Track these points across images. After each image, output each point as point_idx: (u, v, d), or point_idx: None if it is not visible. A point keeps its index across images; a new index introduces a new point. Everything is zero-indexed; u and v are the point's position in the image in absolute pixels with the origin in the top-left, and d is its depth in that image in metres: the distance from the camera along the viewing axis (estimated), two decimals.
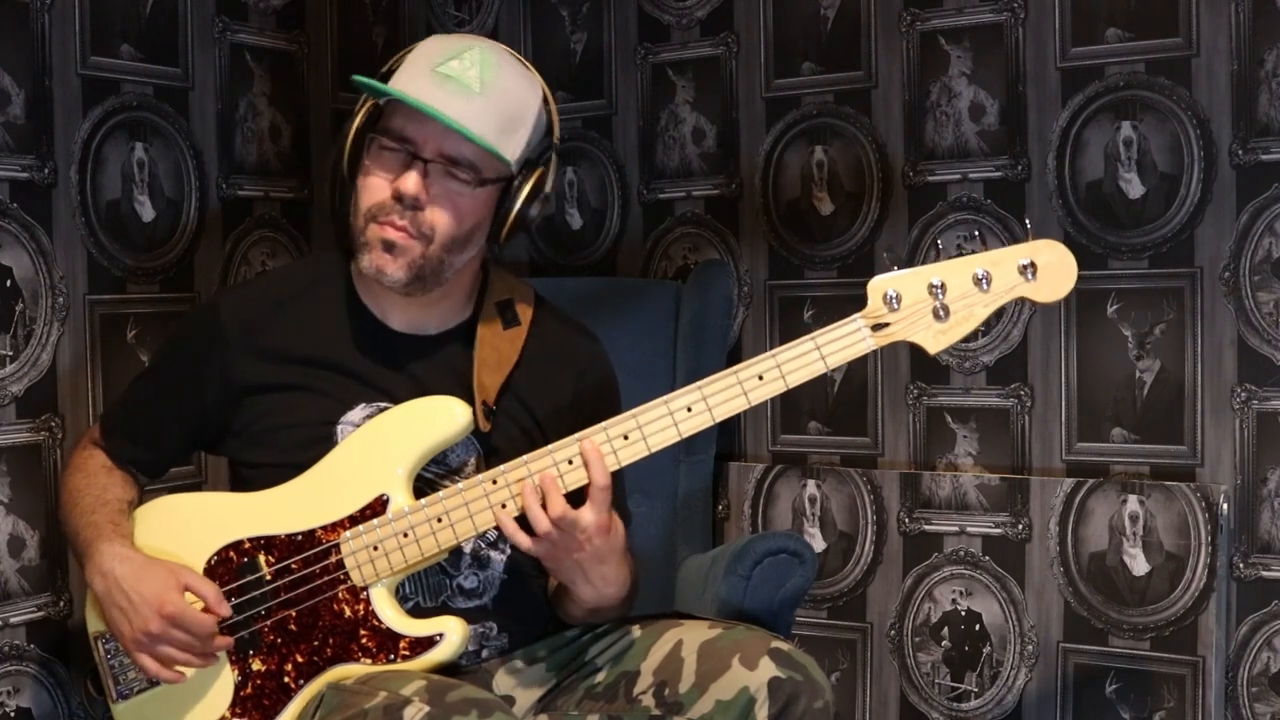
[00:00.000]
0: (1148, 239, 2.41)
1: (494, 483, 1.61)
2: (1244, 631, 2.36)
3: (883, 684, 2.63)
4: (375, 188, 1.66)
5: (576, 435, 1.60)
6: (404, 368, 1.74)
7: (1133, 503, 2.40)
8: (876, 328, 1.56)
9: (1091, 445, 2.47)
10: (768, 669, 1.57)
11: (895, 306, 1.55)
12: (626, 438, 1.60)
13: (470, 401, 1.68)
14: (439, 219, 1.65)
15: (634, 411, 1.62)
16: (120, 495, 1.77)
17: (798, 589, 2.05)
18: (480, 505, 1.61)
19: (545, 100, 1.72)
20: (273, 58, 2.56)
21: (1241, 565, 2.36)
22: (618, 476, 1.65)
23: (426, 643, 1.61)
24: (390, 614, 1.63)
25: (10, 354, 2.15)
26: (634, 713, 1.63)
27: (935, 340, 1.55)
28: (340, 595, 1.63)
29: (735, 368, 1.63)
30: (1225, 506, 2.33)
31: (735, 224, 2.78)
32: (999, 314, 2.52)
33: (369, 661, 1.62)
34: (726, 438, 2.75)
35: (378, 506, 1.64)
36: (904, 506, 2.60)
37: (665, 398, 1.62)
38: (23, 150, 2.16)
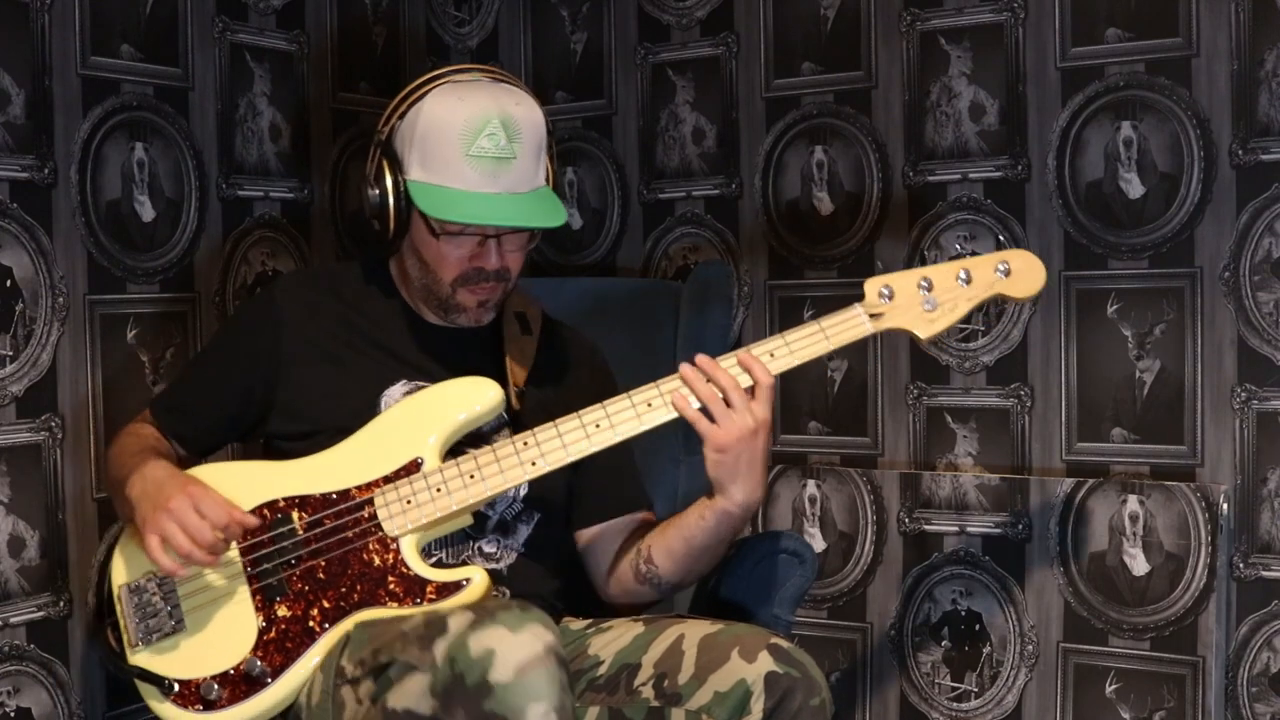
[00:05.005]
0: (1148, 239, 2.41)
1: (525, 444, 1.73)
2: (1244, 631, 2.36)
3: (883, 684, 2.63)
4: (454, 261, 1.79)
5: (603, 403, 1.74)
6: (440, 354, 1.86)
7: (1133, 503, 2.40)
8: (873, 316, 1.74)
9: (1091, 445, 2.47)
10: (766, 663, 1.58)
11: (889, 299, 1.74)
12: (650, 405, 1.73)
13: (503, 386, 1.80)
14: (514, 263, 1.82)
15: (656, 383, 1.75)
16: (167, 451, 1.88)
17: (798, 589, 2.05)
18: (511, 462, 1.72)
19: (536, 99, 1.83)
20: (273, 58, 2.56)
21: (1241, 565, 2.36)
22: (631, 465, 1.89)
23: (454, 586, 1.68)
24: (418, 563, 1.71)
25: (10, 354, 2.15)
26: (634, 704, 1.64)
27: (926, 327, 1.75)
28: (370, 545, 1.71)
29: (747, 347, 1.74)
30: (1225, 506, 2.33)
31: (735, 224, 2.78)
32: (999, 314, 2.52)
33: (395, 605, 1.68)
34: None
35: (412, 468, 1.74)
36: (904, 506, 2.60)
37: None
38: (23, 150, 2.16)
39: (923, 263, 2.58)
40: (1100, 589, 2.43)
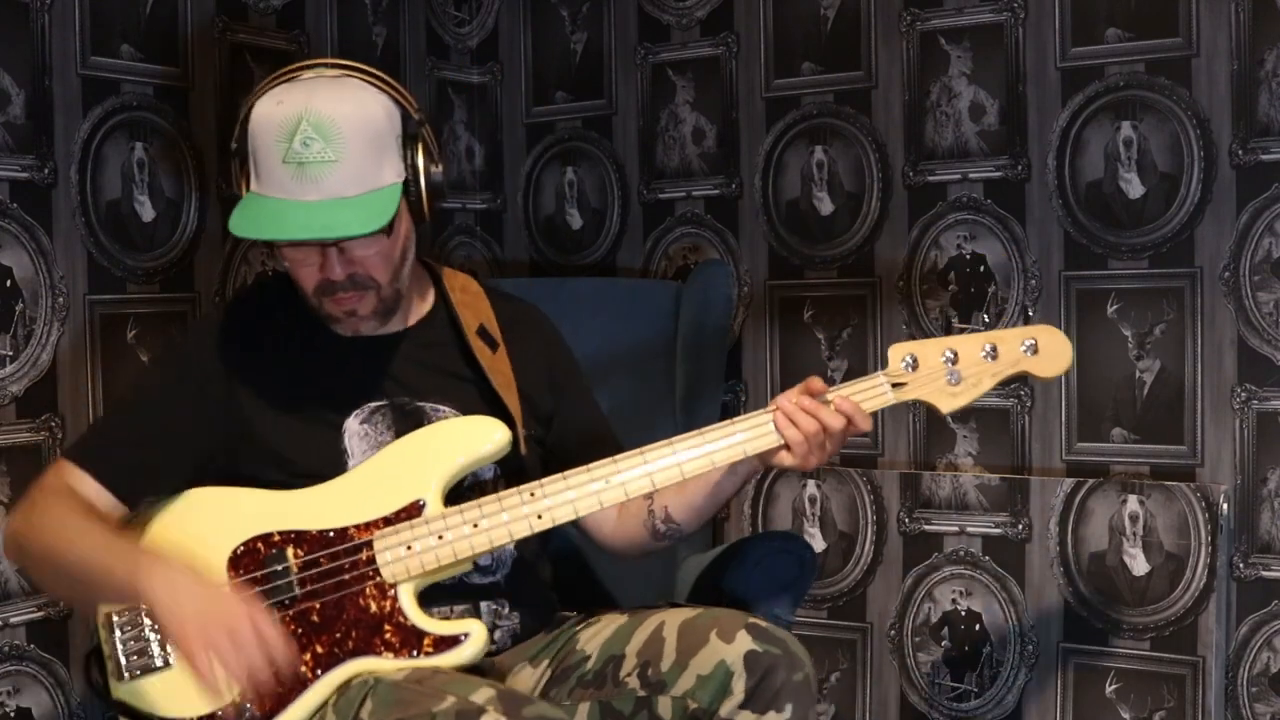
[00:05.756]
0: (1148, 239, 2.41)
1: (532, 495, 1.67)
2: (1244, 631, 2.36)
3: (883, 684, 2.63)
4: (305, 275, 1.70)
5: (617, 458, 1.69)
6: (387, 367, 1.78)
7: (1133, 503, 2.40)
8: (896, 385, 1.70)
9: (1091, 445, 2.47)
10: (744, 642, 1.58)
11: (912, 369, 1.70)
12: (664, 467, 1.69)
13: (497, 415, 1.74)
14: (374, 267, 1.70)
15: (670, 440, 1.70)
16: (108, 520, 1.68)
17: (798, 589, 2.05)
18: (517, 513, 1.66)
19: (387, 89, 1.70)
20: (273, 58, 2.56)
21: (1241, 565, 2.36)
22: (607, 432, 1.87)
23: (451, 641, 1.63)
24: (416, 612, 1.65)
25: (10, 354, 2.15)
26: (621, 696, 1.64)
27: (948, 401, 1.71)
28: (368, 590, 1.65)
29: (757, 412, 1.69)
30: (1225, 506, 2.33)
31: (735, 224, 2.78)
32: (998, 315, 2.52)
33: (391, 656, 1.62)
34: None
35: (413, 510, 1.67)
36: (904, 506, 2.60)
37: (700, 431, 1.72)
38: (23, 150, 2.16)
39: (923, 262, 2.59)
40: (1100, 589, 2.43)
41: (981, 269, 2.54)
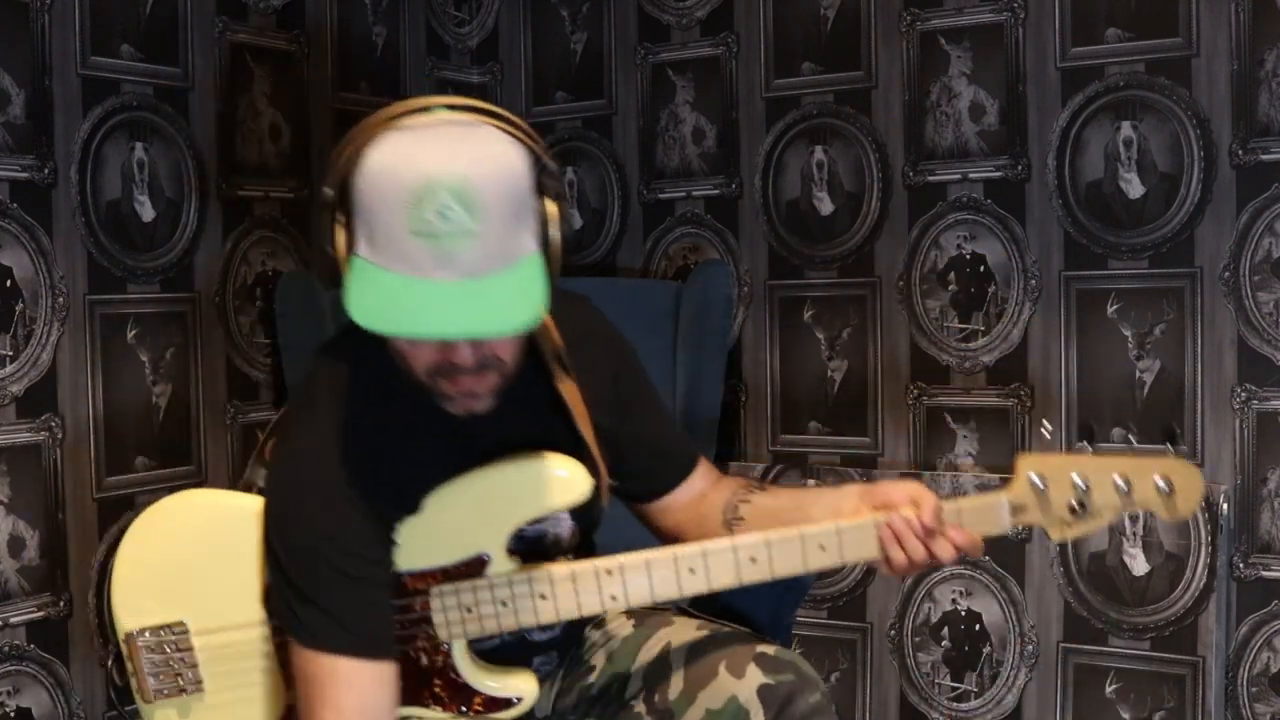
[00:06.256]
0: (1148, 239, 2.41)
1: (609, 573, 1.53)
2: (1244, 631, 2.36)
3: (883, 684, 2.63)
4: (420, 355, 1.45)
5: (706, 547, 1.54)
6: (495, 439, 1.56)
7: None
8: (1015, 509, 1.57)
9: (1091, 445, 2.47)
10: (755, 676, 1.55)
11: (1040, 489, 1.56)
12: (754, 559, 1.54)
13: (582, 460, 1.58)
14: (504, 349, 1.46)
15: (765, 534, 1.56)
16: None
17: (798, 589, 2.05)
18: (591, 590, 1.54)
19: (521, 136, 1.43)
20: (273, 58, 2.56)
21: (1241, 565, 2.36)
22: (673, 430, 1.71)
23: (502, 703, 1.57)
24: (469, 669, 1.57)
25: (10, 354, 2.15)
26: None
27: (1061, 531, 1.58)
28: (419, 641, 1.55)
29: (865, 519, 1.56)
30: (1225, 506, 2.33)
31: (735, 224, 2.78)
32: (999, 315, 2.52)
33: (439, 709, 1.56)
34: (727, 438, 2.75)
35: (475, 566, 1.54)
36: None
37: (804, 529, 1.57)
38: (23, 150, 2.16)
39: (923, 262, 2.59)
40: (1100, 589, 2.43)
41: (981, 269, 2.54)
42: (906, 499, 1.56)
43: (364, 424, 1.51)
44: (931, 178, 2.58)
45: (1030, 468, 1.56)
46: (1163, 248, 2.40)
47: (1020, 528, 1.57)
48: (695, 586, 1.54)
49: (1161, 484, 1.55)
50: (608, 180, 2.92)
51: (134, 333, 2.33)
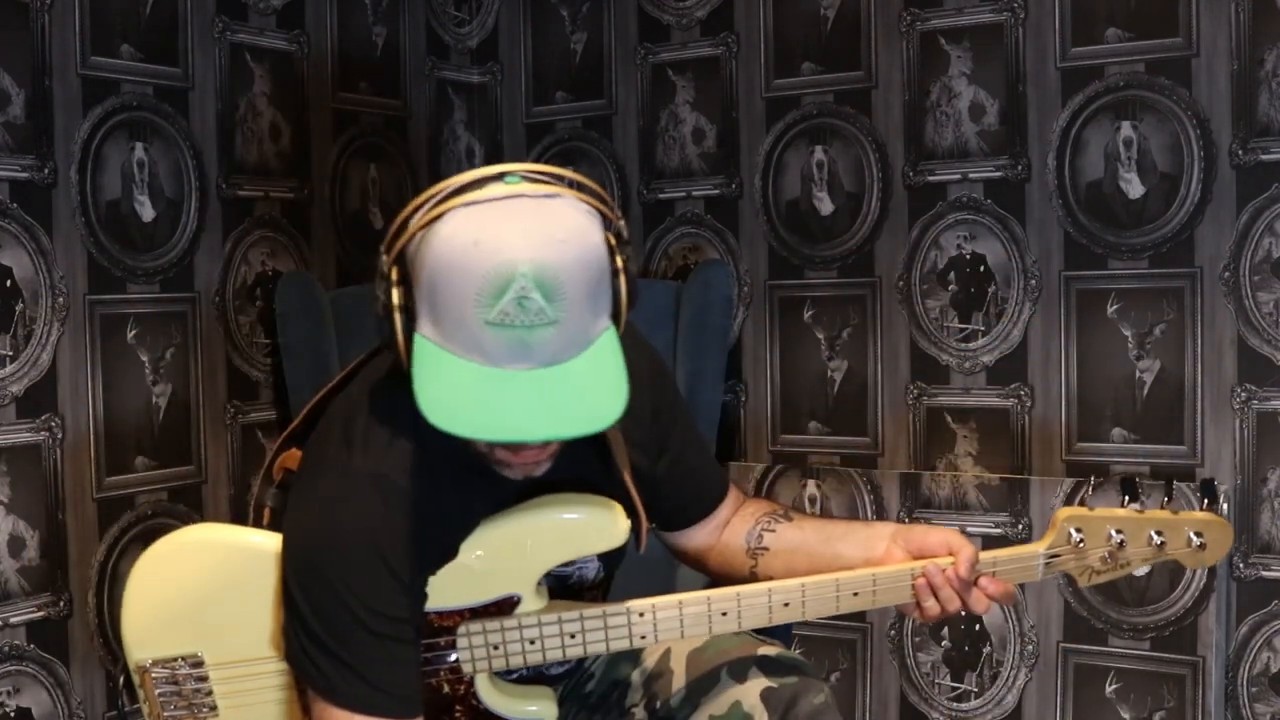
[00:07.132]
0: (1148, 239, 2.41)
1: (641, 615, 1.52)
2: (1244, 631, 2.36)
3: (883, 684, 2.63)
4: None
5: (740, 591, 1.54)
6: (534, 484, 1.50)
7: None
8: (1050, 561, 1.59)
9: (1091, 445, 2.47)
10: (758, 681, 1.55)
11: (1079, 545, 1.59)
12: (788, 604, 1.54)
13: (618, 498, 1.53)
14: None
15: (801, 579, 1.56)
16: None
17: None
18: (620, 631, 1.52)
19: (594, 202, 1.35)
20: (273, 58, 2.56)
21: (1241, 565, 2.36)
22: (708, 460, 1.69)
23: None
24: (490, 695, 1.55)
25: (10, 354, 2.15)
26: None
27: (1089, 579, 1.61)
28: (442, 672, 1.54)
29: (900, 566, 1.56)
30: (1225, 506, 2.33)
31: (735, 224, 2.78)
32: (999, 315, 2.52)
33: None
34: (727, 438, 2.75)
35: (506, 606, 1.51)
36: (904, 506, 2.60)
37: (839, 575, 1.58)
38: (23, 150, 2.16)
39: (923, 262, 2.59)
40: (1100, 588, 2.43)
41: (981, 269, 2.54)
42: (944, 547, 1.55)
43: (404, 478, 1.42)
44: (931, 178, 2.58)
45: (1070, 522, 1.58)
46: (1163, 248, 2.40)
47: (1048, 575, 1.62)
48: (726, 627, 1.54)
49: (1195, 539, 1.59)
50: (608, 180, 2.92)
51: (134, 333, 2.33)
